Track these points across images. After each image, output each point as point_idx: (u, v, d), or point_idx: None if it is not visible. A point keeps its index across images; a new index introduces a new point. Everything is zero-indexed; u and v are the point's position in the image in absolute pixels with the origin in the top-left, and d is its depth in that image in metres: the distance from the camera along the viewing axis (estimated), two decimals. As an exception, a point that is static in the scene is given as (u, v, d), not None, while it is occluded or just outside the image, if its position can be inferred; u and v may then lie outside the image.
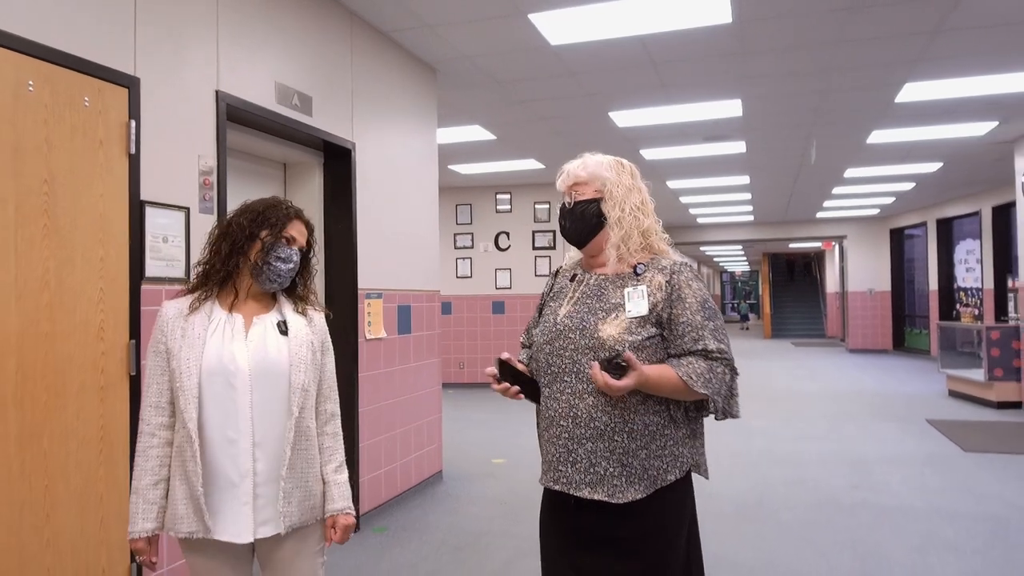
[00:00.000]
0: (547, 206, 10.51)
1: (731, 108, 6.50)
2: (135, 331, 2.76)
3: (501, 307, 10.53)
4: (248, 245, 1.85)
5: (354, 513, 1.96)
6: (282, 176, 4.34)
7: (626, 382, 1.69)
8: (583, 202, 1.91)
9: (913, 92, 6.04)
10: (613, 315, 1.80)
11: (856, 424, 7.43)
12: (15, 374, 2.34)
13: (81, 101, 2.57)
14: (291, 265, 1.88)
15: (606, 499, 1.74)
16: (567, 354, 1.80)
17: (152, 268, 2.85)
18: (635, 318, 1.78)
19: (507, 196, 10.61)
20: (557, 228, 9.95)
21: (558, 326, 1.84)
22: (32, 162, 2.40)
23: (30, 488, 2.38)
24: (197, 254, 3.04)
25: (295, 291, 1.97)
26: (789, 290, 26.53)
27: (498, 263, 10.62)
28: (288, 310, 1.92)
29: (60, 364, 2.48)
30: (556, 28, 4.56)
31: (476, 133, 7.28)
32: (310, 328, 1.93)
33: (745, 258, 28.95)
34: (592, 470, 1.76)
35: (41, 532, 2.42)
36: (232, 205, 3.32)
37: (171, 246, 2.95)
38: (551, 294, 2.00)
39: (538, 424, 1.91)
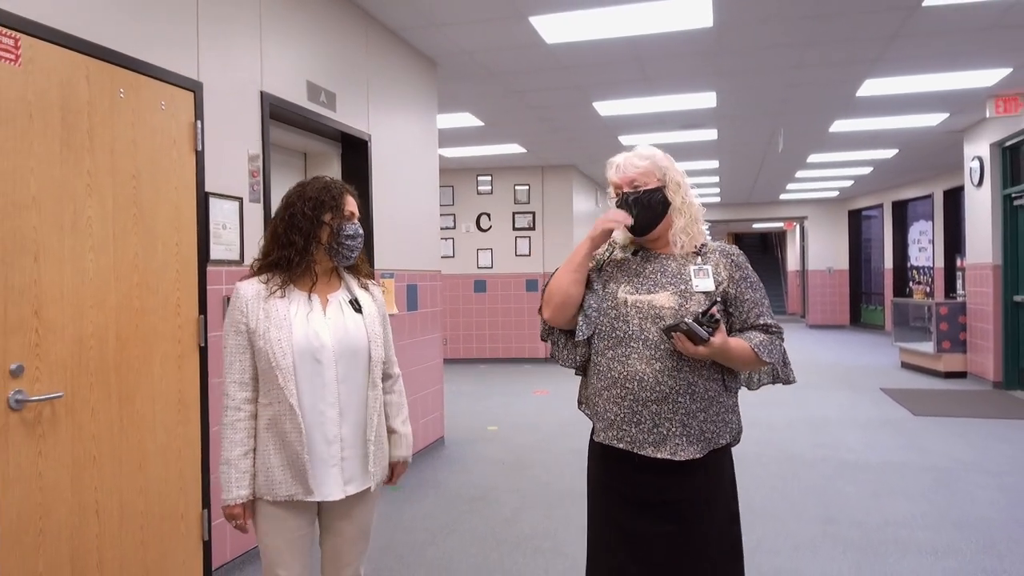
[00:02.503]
0: (526, 187, 10.92)
1: (706, 100, 6.98)
2: (203, 307, 3.14)
3: (483, 286, 10.95)
4: (318, 232, 1.97)
5: (410, 460, 2.25)
6: (303, 165, 4.69)
7: (717, 340, 1.79)
8: (650, 191, 1.97)
9: (873, 87, 6.59)
10: (681, 288, 1.91)
11: (817, 392, 8.08)
12: (115, 343, 2.71)
13: (159, 105, 2.92)
14: (360, 238, 2.04)
15: (669, 457, 1.86)
16: (635, 321, 1.90)
17: (215, 252, 3.22)
18: (702, 293, 1.91)
19: (488, 178, 10.99)
20: (536, 210, 10.23)
21: (626, 295, 1.93)
22: (123, 160, 2.75)
23: (128, 442, 2.76)
24: (249, 239, 3.44)
25: (353, 264, 2.11)
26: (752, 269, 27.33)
27: (479, 243, 11.02)
28: (354, 286, 2.10)
29: (147, 336, 2.86)
30: (553, 29, 4.97)
31: (465, 119, 7.64)
32: (375, 304, 2.16)
33: (710, 238, 29.69)
34: (656, 430, 1.87)
35: (135, 480, 2.80)
36: (274, 195, 3.70)
37: (229, 232, 3.32)
38: (611, 267, 2.03)
39: (588, 385, 2.02)
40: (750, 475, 4.86)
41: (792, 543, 3.66)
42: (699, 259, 1.96)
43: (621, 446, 1.91)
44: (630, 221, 1.95)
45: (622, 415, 1.90)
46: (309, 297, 1.99)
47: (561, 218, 10.85)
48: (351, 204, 2.05)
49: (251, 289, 1.96)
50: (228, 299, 3.26)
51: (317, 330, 1.96)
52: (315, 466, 1.94)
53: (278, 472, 1.93)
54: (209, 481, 3.16)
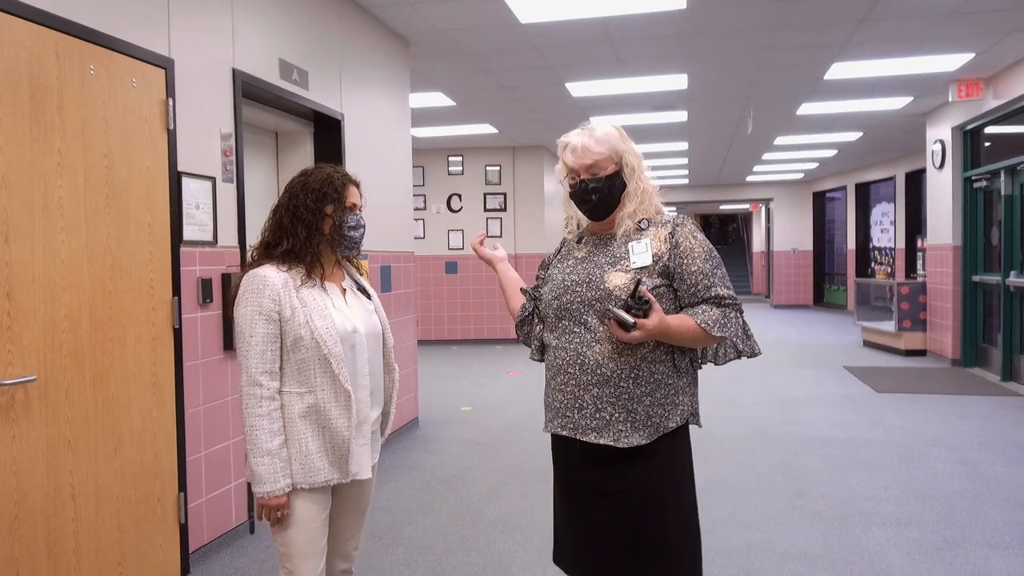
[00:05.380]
0: (498, 168, 10.89)
1: (678, 81, 7.02)
2: (176, 289, 3.10)
3: (454, 267, 10.93)
4: (320, 224, 1.98)
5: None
6: (274, 144, 4.63)
7: (651, 322, 1.72)
8: (610, 177, 1.91)
9: (840, 71, 6.70)
10: (618, 266, 1.86)
11: (783, 371, 8.25)
12: (88, 326, 2.66)
13: (130, 82, 2.85)
14: (362, 229, 2.07)
15: (611, 443, 1.81)
16: (574, 307, 1.87)
17: (188, 232, 3.17)
18: (639, 268, 1.84)
19: (459, 159, 10.94)
20: (508, 191, 10.21)
21: (566, 282, 1.91)
22: (95, 138, 2.69)
23: (103, 426, 2.73)
24: (223, 219, 3.40)
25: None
26: (717, 250, 27.70)
27: (450, 224, 10.98)
28: (355, 274, 2.14)
29: (121, 318, 2.81)
30: (527, 8, 4.94)
31: (437, 99, 7.59)
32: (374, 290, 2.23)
33: (671, 214, 30.00)
34: (598, 415, 1.83)
35: (111, 463, 2.77)
36: (247, 174, 3.65)
37: (202, 212, 3.27)
38: (558, 256, 2.06)
39: (546, 375, 1.99)
40: (720, 451, 4.96)
41: (762, 516, 3.76)
42: (640, 234, 1.90)
43: (565, 433, 1.89)
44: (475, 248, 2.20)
45: (566, 402, 1.88)
46: (324, 286, 2.00)
47: (532, 199, 10.86)
48: (354, 195, 2.06)
49: (278, 277, 1.92)
50: (201, 281, 3.23)
51: (349, 318, 2.00)
52: (354, 448, 1.99)
53: (316, 459, 1.93)
54: (185, 464, 3.15)
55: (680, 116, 8.71)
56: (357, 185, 2.10)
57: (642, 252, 1.85)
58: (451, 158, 10.93)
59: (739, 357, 1.90)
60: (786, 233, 17.44)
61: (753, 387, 7.20)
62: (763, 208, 20.54)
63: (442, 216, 11.00)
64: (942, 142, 8.52)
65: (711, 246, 1.90)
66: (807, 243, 17.29)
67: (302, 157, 4.59)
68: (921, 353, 9.14)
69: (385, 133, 5.29)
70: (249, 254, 2.05)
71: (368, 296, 2.15)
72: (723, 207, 23.21)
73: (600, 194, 1.92)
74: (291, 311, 1.91)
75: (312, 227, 1.97)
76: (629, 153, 1.93)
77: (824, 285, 17.33)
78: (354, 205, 2.06)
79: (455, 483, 4.40)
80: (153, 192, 2.98)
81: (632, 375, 1.82)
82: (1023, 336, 7.14)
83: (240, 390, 1.93)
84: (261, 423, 1.89)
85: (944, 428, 5.53)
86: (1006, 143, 7.65)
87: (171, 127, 3.06)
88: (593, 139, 1.91)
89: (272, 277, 1.92)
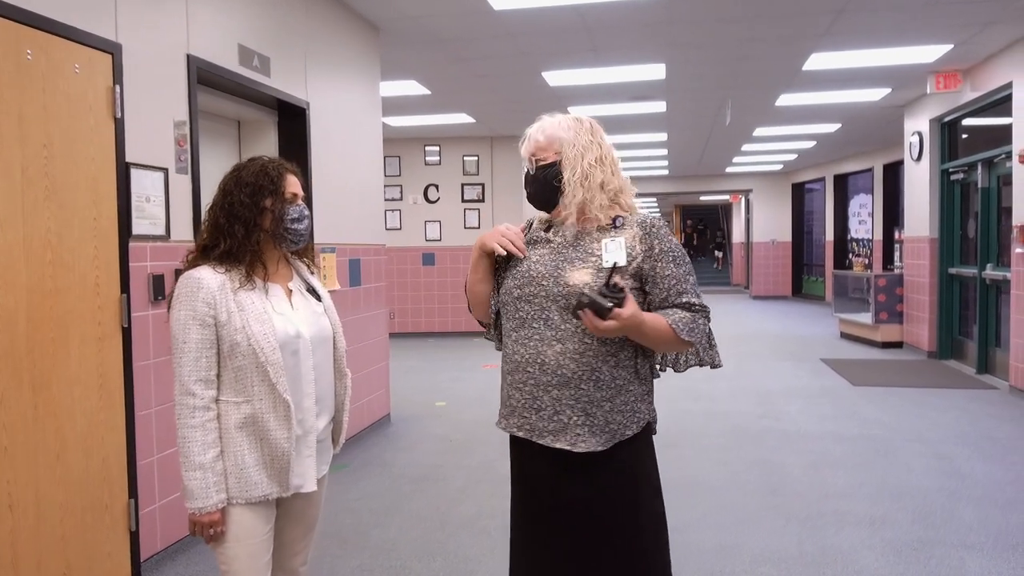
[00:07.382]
0: (475, 159, 10.74)
1: (655, 71, 6.91)
2: (125, 286, 2.95)
3: (431, 259, 10.79)
4: (259, 219, 1.85)
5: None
6: (236, 134, 4.46)
7: (626, 311, 1.64)
8: (544, 166, 1.86)
9: (818, 62, 6.62)
10: (588, 264, 1.78)
11: (760, 363, 8.22)
12: (26, 327, 2.52)
13: (72, 69, 2.70)
14: (306, 221, 1.93)
15: (567, 447, 1.76)
16: (537, 301, 1.79)
17: (138, 227, 3.02)
18: (612, 267, 1.75)
19: (436, 148, 10.77)
20: (485, 182, 10.12)
21: (530, 272, 1.82)
22: (33, 128, 2.54)
23: (43, 431, 2.59)
24: (176, 213, 3.26)
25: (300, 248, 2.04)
26: (698, 240, 27.77)
27: (427, 215, 10.83)
28: (306, 273, 2.02)
29: (63, 317, 2.67)
30: (500, -5, 4.81)
31: (411, 88, 7.42)
32: (327, 290, 2.10)
33: (659, 210, 29.99)
34: (556, 418, 1.77)
35: (53, 470, 2.63)
36: (204, 165, 3.50)
37: (153, 205, 3.12)
38: (526, 239, 1.94)
39: (503, 367, 1.92)
40: (695, 448, 4.90)
41: (735, 517, 3.69)
42: (612, 232, 1.82)
43: (520, 434, 1.82)
44: (506, 250, 1.84)
45: (523, 401, 1.80)
46: (266, 288, 1.88)
47: (510, 189, 10.72)
48: (293, 185, 1.92)
49: (214, 280, 1.80)
50: (152, 277, 3.09)
51: (292, 321, 1.88)
52: (296, 459, 1.87)
53: (253, 472, 1.82)
54: (135, 469, 3.01)
55: (659, 107, 8.62)
56: (296, 174, 1.95)
57: (616, 250, 1.78)
58: (428, 148, 10.77)
59: (700, 365, 1.86)
60: (765, 224, 17.45)
61: (730, 380, 7.15)
62: (742, 199, 20.54)
63: (419, 207, 10.84)
64: (920, 134, 8.50)
65: (682, 250, 1.87)
66: (786, 234, 17.31)
67: (266, 146, 4.44)
68: (898, 345, 9.15)
69: (354, 122, 5.14)
70: (184, 258, 1.90)
71: (318, 297, 2.02)
72: (703, 198, 23.21)
73: (535, 184, 1.89)
74: (227, 315, 1.78)
75: (250, 224, 1.83)
76: (570, 144, 1.83)
77: (803, 276, 17.38)
78: (295, 195, 1.91)
79: (425, 482, 4.30)
80: (99, 184, 2.83)
81: (593, 378, 1.75)
82: (999, 329, 7.14)
83: (174, 399, 1.80)
84: (194, 435, 1.77)
85: (920, 422, 5.50)
86: (983, 135, 7.63)
87: (118, 116, 2.91)
88: (539, 129, 1.89)
89: (207, 279, 1.79)
